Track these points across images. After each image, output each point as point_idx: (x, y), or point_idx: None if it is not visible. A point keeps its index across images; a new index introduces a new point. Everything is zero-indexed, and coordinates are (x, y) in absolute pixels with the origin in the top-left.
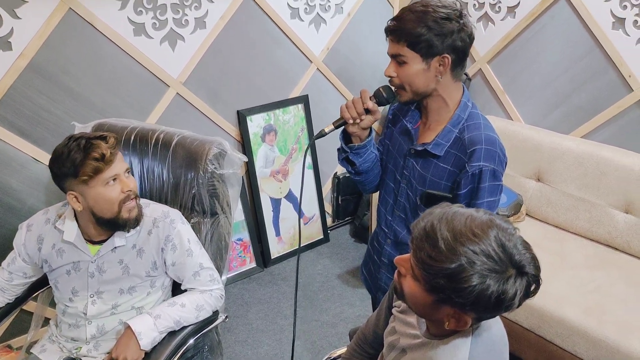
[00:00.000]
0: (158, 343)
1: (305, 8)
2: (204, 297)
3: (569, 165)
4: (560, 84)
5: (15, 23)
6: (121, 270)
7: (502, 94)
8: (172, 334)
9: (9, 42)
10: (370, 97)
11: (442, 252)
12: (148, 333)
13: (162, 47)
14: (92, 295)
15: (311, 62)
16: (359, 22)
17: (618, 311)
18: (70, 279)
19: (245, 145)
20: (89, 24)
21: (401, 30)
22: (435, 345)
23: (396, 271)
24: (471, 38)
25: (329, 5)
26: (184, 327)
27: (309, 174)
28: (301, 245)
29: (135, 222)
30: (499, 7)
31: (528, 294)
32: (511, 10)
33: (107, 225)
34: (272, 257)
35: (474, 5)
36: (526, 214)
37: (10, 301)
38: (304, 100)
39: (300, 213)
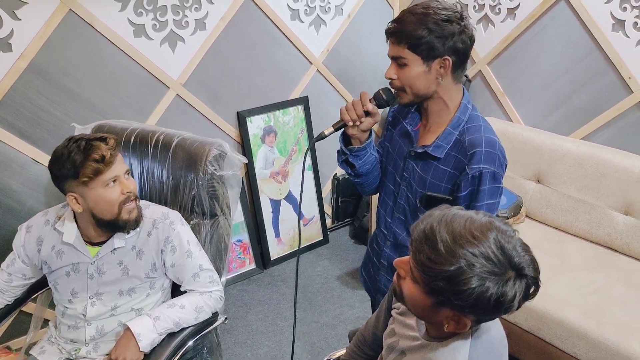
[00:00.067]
0: (157, 344)
1: (306, 9)
2: (204, 298)
3: (568, 167)
4: (560, 86)
5: (15, 24)
6: (120, 271)
7: (502, 96)
8: (171, 335)
9: (9, 43)
10: (370, 100)
11: (442, 255)
12: (147, 334)
13: (162, 49)
14: (91, 297)
15: (311, 63)
16: (359, 24)
17: (618, 313)
18: (69, 280)
19: (245, 147)
20: (89, 25)
21: (402, 33)
22: (435, 348)
23: (395, 273)
24: (472, 40)
25: (329, 7)
26: (183, 329)
27: (309, 175)
28: (301, 247)
29: (135, 223)
30: (499, 8)
31: (527, 296)
32: (511, 11)
33: (106, 226)
34: (271, 259)
35: (474, 6)
36: (526, 216)
37: (10, 302)
38: (303, 101)
39: (300, 214)
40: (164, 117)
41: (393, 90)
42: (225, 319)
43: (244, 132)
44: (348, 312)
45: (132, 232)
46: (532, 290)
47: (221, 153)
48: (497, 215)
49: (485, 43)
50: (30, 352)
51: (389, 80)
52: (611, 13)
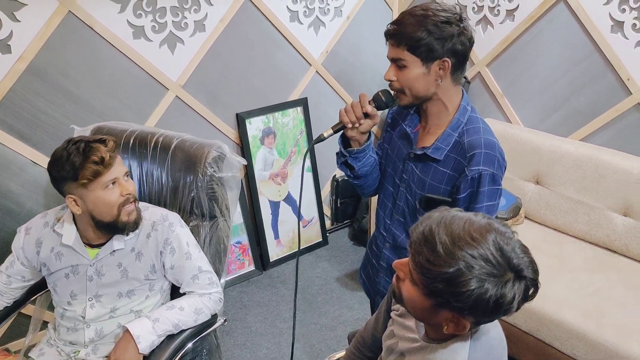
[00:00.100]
0: (157, 347)
1: (305, 11)
2: (203, 300)
3: (567, 168)
4: (559, 87)
5: (14, 26)
6: (120, 273)
7: (501, 97)
8: (170, 337)
9: (8, 45)
10: (369, 101)
11: (441, 257)
12: (146, 337)
13: (161, 50)
14: (90, 299)
15: (310, 65)
16: (358, 25)
17: (617, 314)
18: (68, 282)
19: (244, 148)
20: (89, 26)
21: (401, 34)
22: (434, 349)
23: (395, 275)
24: (471, 42)
25: (328, 9)
26: (182, 331)
27: (308, 176)
28: (300, 248)
29: (134, 225)
30: (498, 10)
31: (526, 297)
32: (510, 13)
33: (106, 228)
34: (270, 260)
35: (473, 8)
36: (525, 217)
37: (9, 305)
38: (303, 103)
39: (299, 216)
40: (163, 119)
41: (392, 92)
42: (225, 320)
43: (243, 134)
44: (347, 313)
45: (131, 234)
46: (531, 291)
47: (220, 155)
48: (497, 217)
49: (484, 44)
50: (29, 354)
51: (388, 82)
52: (610, 14)
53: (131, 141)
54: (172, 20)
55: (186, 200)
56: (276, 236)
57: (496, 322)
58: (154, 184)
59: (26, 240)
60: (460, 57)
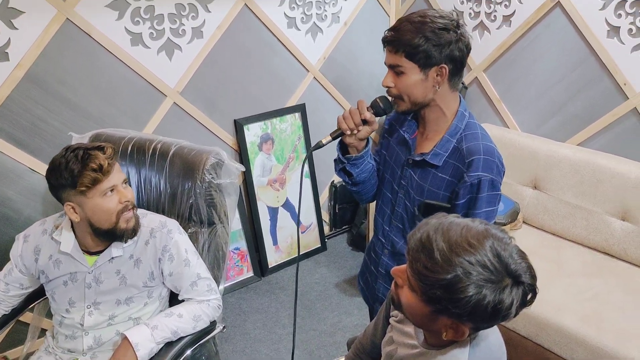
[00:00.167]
0: (155, 354)
1: (302, 17)
2: (202, 307)
3: (565, 172)
4: (556, 92)
5: (12, 33)
6: (118, 280)
7: (498, 102)
8: (169, 344)
9: (6, 52)
10: (367, 108)
11: (438, 263)
12: (145, 344)
13: (159, 57)
14: (89, 306)
15: (308, 71)
16: (355, 31)
17: (616, 319)
18: (67, 289)
19: (242, 154)
20: (86, 34)
21: (399, 41)
22: (433, 356)
23: (393, 282)
24: (468, 48)
25: (325, 15)
26: (181, 338)
27: (306, 182)
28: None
29: (133, 232)
30: (495, 16)
31: (525, 303)
32: (507, 19)
33: (104, 235)
34: (269, 266)
35: (470, 14)
36: (523, 222)
37: (7, 312)
38: (300, 109)
39: (298, 222)
40: (161, 126)
41: (390, 98)
42: (224, 327)
43: (241, 140)
44: (346, 319)
45: (129, 241)
46: (529, 297)
47: (219, 161)
48: (495, 222)
49: (481, 50)
50: None
51: (386, 88)
52: (606, 20)
53: (129, 148)
54: (170, 27)
55: (184, 207)
56: (275, 242)
57: (495, 327)
58: (152, 191)
59: (24, 248)
60: (458, 64)
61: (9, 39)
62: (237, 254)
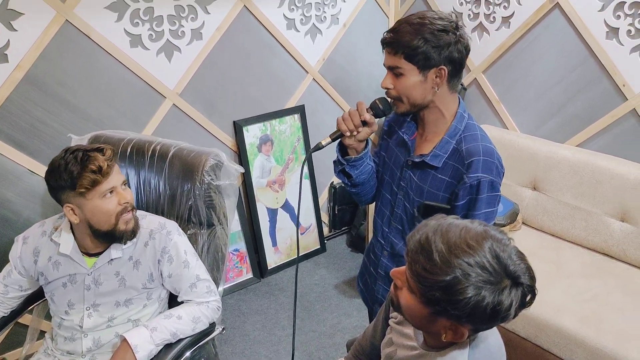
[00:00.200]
0: (154, 356)
1: (301, 19)
2: (201, 309)
3: (564, 174)
4: (555, 94)
5: (11, 35)
6: (117, 282)
7: (497, 104)
8: (168, 346)
9: (5, 54)
10: (367, 109)
11: (437, 265)
12: (144, 346)
13: (158, 59)
14: (88, 308)
15: (307, 72)
16: (354, 33)
17: (615, 320)
18: (66, 291)
19: (241, 156)
20: (86, 35)
21: (398, 43)
22: (433, 357)
23: (392, 284)
24: (467, 49)
25: (324, 16)
26: (180, 340)
27: (306, 184)
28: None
29: (132, 234)
30: (494, 17)
31: (524, 304)
32: (506, 20)
33: (103, 237)
34: (268, 268)
35: (469, 15)
36: (522, 223)
37: (6, 314)
38: (300, 110)
39: (298, 223)
40: (160, 127)
41: (389, 100)
42: (223, 329)
43: (241, 141)
44: (346, 321)
45: (129, 243)
46: (528, 298)
47: (218, 163)
48: (494, 223)
49: (480, 51)
50: None
51: (385, 90)
52: (605, 21)
53: (129, 150)
54: (169, 29)
55: (184, 208)
56: (274, 243)
57: (494, 329)
58: (152, 193)
59: (24, 250)
60: (457, 65)
61: (8, 40)
62: (236, 255)
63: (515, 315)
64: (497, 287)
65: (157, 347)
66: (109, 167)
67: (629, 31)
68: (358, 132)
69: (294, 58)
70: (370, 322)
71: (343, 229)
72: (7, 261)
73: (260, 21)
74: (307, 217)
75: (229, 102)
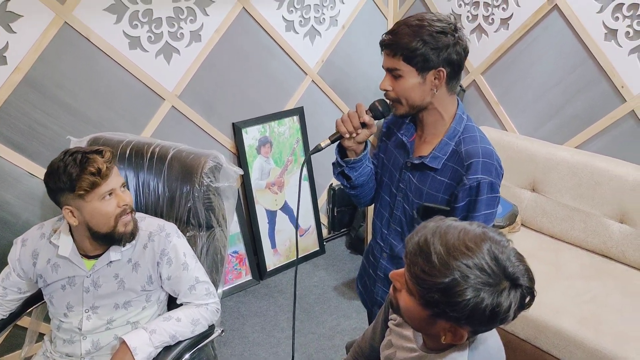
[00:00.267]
0: (153, 358)
1: (300, 21)
2: (200, 311)
3: (563, 175)
4: (554, 95)
5: (10, 37)
6: (116, 284)
7: (496, 105)
8: (167, 348)
9: (4, 56)
10: (366, 111)
11: (436, 267)
12: (143, 348)
13: (157, 61)
14: (87, 310)
15: (306, 74)
16: (353, 35)
17: (614, 321)
18: (65, 294)
19: (240, 157)
20: (85, 37)
21: (397, 45)
22: (432, 359)
23: (392, 286)
24: (466, 51)
25: (323, 18)
26: (179, 342)
27: (305, 185)
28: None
29: (131, 236)
30: (492, 19)
31: (523, 305)
32: (504, 22)
33: (102, 239)
34: (268, 270)
35: (468, 17)
36: (521, 225)
37: (4, 317)
38: (299, 112)
39: (297, 225)
40: (159, 129)
41: (388, 102)
42: (222, 331)
43: (240, 143)
44: (345, 322)
45: (128, 245)
46: (527, 300)
47: (217, 165)
48: (493, 225)
49: (479, 53)
50: None
51: (384, 92)
52: (603, 23)
53: (127, 152)
54: (168, 31)
55: (183, 210)
56: (273, 245)
57: (494, 330)
58: (151, 195)
59: (22, 252)
60: (456, 67)
61: (7, 42)
62: (235, 257)
63: (515, 316)
64: (496, 289)
65: (156, 349)
66: (108, 169)
67: (628, 33)
68: (357, 134)
69: (293, 60)
70: (369, 324)
71: (342, 230)
72: (6, 264)
73: (259, 23)
74: (306, 218)
75: (228, 104)
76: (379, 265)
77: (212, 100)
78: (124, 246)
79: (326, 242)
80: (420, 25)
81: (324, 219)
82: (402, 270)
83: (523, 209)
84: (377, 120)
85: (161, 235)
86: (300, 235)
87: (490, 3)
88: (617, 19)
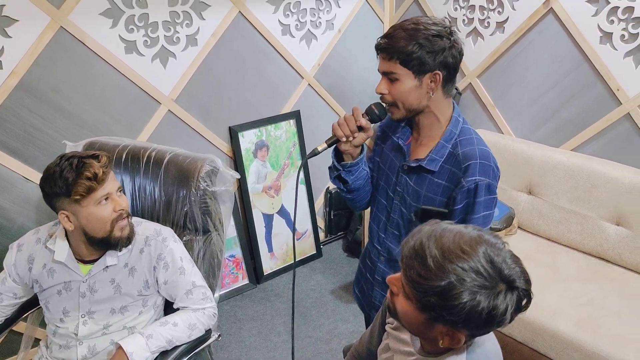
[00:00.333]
0: None
1: (296, 24)
2: (197, 315)
3: (559, 178)
4: (550, 98)
5: (5, 42)
6: (113, 289)
7: (492, 108)
8: (164, 353)
9: (0, 60)
10: (362, 114)
11: (432, 270)
12: (140, 353)
13: (153, 65)
14: (83, 316)
15: (302, 78)
16: (349, 38)
17: (611, 324)
18: (61, 299)
19: (237, 161)
20: (80, 42)
21: (393, 48)
22: None
23: (389, 290)
24: (461, 54)
25: (319, 22)
26: (176, 347)
27: (301, 189)
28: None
29: (127, 240)
30: (488, 22)
31: (520, 308)
32: (500, 25)
33: (99, 244)
34: (264, 274)
35: (464, 20)
36: (518, 227)
37: (0, 322)
38: (295, 115)
39: (294, 229)
40: (155, 133)
41: (385, 105)
42: (219, 336)
43: (236, 147)
44: (342, 326)
45: (124, 250)
46: (524, 302)
47: (213, 169)
48: (490, 227)
49: (475, 56)
50: None
51: (380, 95)
52: (598, 26)
53: (124, 156)
54: (164, 35)
55: (179, 214)
56: (270, 249)
57: (491, 333)
58: (147, 199)
59: (18, 257)
60: (451, 70)
61: (3, 47)
62: (232, 261)
63: (511, 319)
64: (492, 292)
65: (152, 354)
66: (104, 173)
67: (623, 36)
68: (354, 138)
69: (289, 64)
70: (366, 327)
71: (339, 234)
72: (1, 269)
73: (255, 27)
74: (303, 222)
75: (224, 108)
76: (376, 269)
77: (208, 104)
78: (120, 251)
79: (323, 245)
80: (416, 28)
81: (320, 223)
82: (398, 274)
83: (519, 211)
84: (373, 124)
85: (158, 240)
86: (297, 239)
87: (486, 6)
88: (612, 22)
